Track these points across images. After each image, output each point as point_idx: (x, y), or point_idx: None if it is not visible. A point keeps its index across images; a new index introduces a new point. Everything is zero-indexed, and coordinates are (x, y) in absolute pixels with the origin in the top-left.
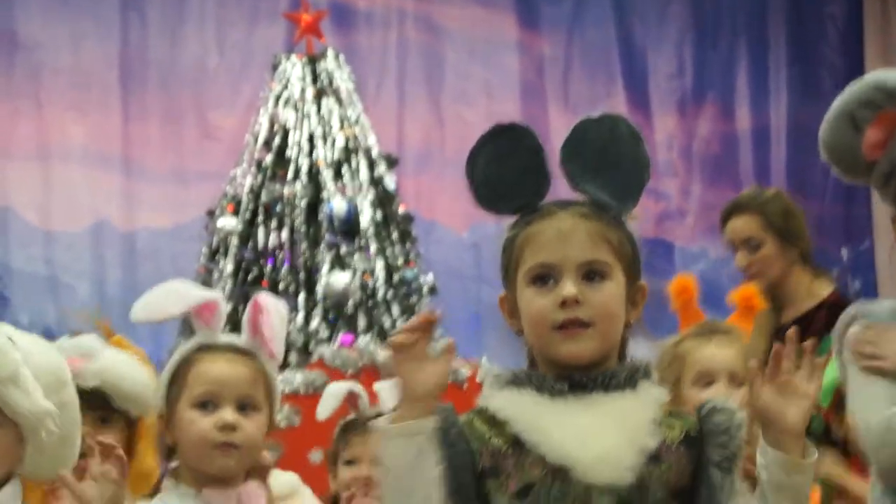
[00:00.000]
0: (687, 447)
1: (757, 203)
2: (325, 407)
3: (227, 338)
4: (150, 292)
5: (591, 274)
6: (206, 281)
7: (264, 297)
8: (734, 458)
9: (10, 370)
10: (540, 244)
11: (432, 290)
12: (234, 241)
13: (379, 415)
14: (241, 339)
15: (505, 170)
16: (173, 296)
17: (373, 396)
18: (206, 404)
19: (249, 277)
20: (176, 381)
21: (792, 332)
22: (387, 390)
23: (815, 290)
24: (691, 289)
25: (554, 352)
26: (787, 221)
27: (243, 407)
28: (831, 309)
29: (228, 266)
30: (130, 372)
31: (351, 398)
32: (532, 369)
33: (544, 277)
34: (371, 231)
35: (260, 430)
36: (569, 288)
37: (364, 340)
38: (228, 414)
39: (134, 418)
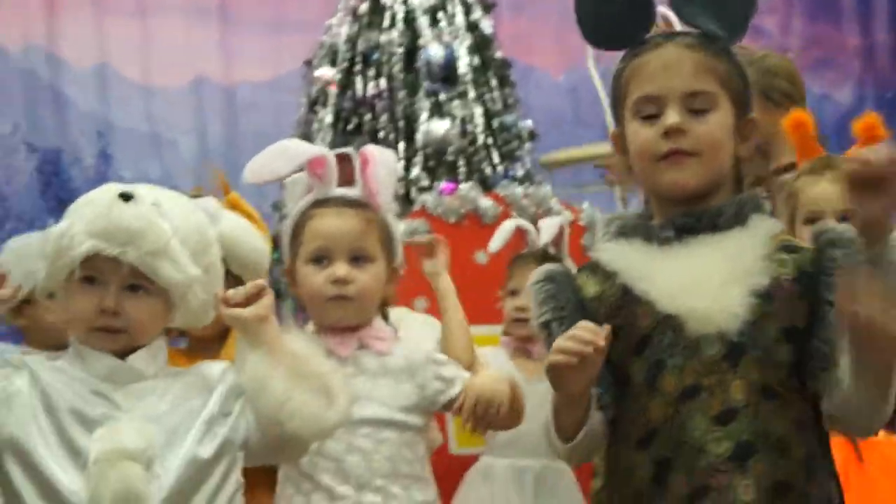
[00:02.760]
0: (801, 284)
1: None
2: (496, 241)
3: (340, 191)
4: (259, 154)
5: (696, 104)
6: (306, 132)
7: (371, 149)
8: None
9: (160, 243)
10: (644, 76)
11: (531, 136)
12: (333, 91)
13: (544, 249)
14: (353, 191)
15: (611, 3)
16: (283, 155)
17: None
18: (320, 259)
19: (349, 127)
20: (294, 238)
21: None
22: (545, 225)
23: None
24: (808, 123)
25: (659, 182)
26: (773, 79)
27: (356, 259)
28: None
29: (328, 117)
30: (249, 238)
31: (521, 234)
32: (646, 212)
33: (650, 109)
34: (469, 77)
35: (375, 280)
36: (672, 117)
37: (465, 187)
38: (340, 268)
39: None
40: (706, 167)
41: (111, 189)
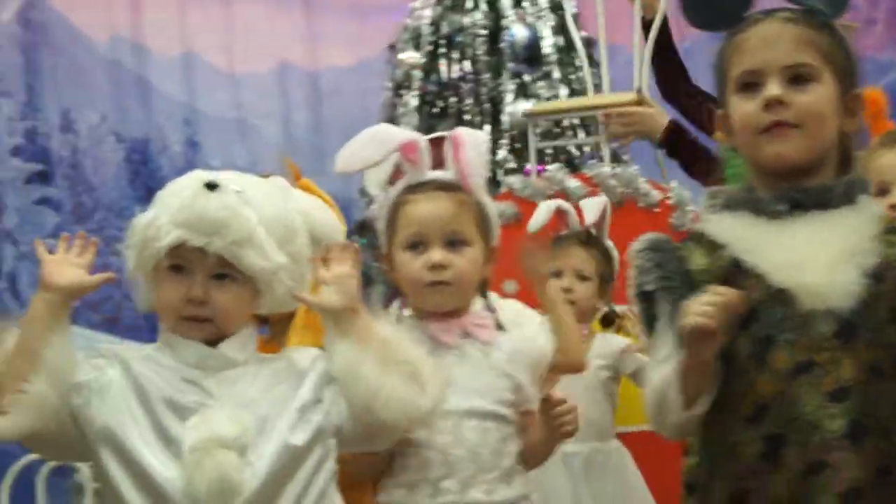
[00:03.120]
0: None
1: None
2: (536, 220)
3: (433, 174)
4: (349, 142)
5: (798, 78)
6: (391, 116)
7: (461, 131)
8: None
9: (244, 232)
10: (745, 51)
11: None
12: (417, 74)
13: (585, 230)
14: (446, 175)
15: None
16: (373, 142)
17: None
18: (416, 245)
19: (434, 111)
20: (389, 224)
21: None
22: (589, 205)
23: None
24: (880, 101)
25: (761, 155)
26: None
27: (452, 243)
28: None
29: (413, 100)
30: (321, 214)
31: (560, 214)
32: (749, 189)
33: (750, 84)
34: (553, 57)
35: (472, 263)
36: (773, 89)
37: (552, 169)
38: (436, 254)
39: None
40: (809, 139)
41: (197, 178)
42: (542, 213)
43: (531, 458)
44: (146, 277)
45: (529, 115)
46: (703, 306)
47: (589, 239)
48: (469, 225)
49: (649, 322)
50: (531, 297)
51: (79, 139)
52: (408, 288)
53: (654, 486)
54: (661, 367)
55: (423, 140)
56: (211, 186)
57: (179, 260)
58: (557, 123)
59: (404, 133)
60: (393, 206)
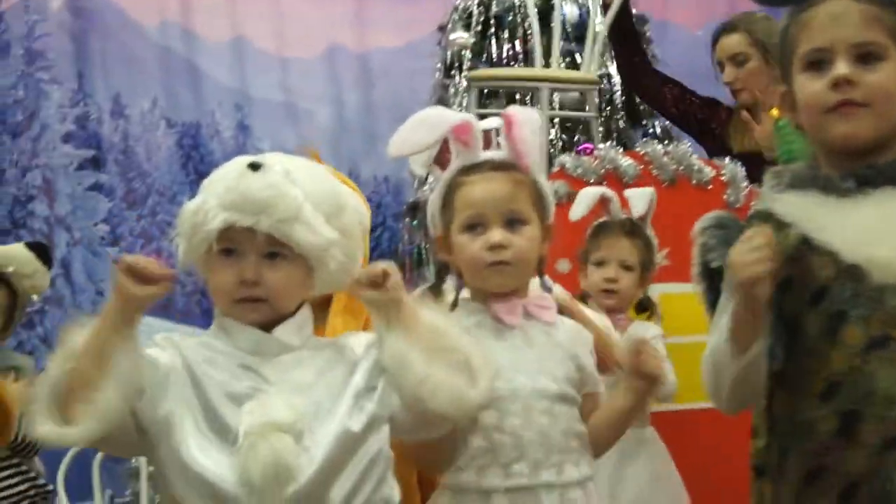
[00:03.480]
0: None
1: (745, 22)
2: (578, 208)
3: (487, 154)
4: (400, 126)
5: (866, 56)
6: (443, 97)
7: (514, 110)
8: None
9: (291, 209)
10: (812, 29)
11: None
12: (468, 54)
13: (629, 219)
14: (501, 154)
15: None
16: (424, 125)
17: (623, 202)
18: (474, 226)
19: (484, 91)
20: (445, 207)
21: None
22: (637, 196)
23: None
24: None
25: (829, 135)
26: (773, 38)
27: (511, 223)
28: None
29: (464, 81)
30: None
31: (603, 201)
32: (813, 167)
33: (817, 62)
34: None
35: (531, 242)
36: (841, 68)
37: (604, 147)
38: (496, 234)
39: None
40: (878, 118)
41: (241, 161)
42: (585, 200)
43: (608, 431)
44: (198, 264)
45: (471, 80)
46: (751, 252)
47: (633, 229)
48: (526, 204)
49: (712, 300)
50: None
51: (130, 125)
52: (467, 270)
53: (684, 465)
54: (716, 335)
55: (475, 121)
56: (254, 167)
57: (229, 243)
58: (609, 100)
59: (456, 115)
60: (448, 188)
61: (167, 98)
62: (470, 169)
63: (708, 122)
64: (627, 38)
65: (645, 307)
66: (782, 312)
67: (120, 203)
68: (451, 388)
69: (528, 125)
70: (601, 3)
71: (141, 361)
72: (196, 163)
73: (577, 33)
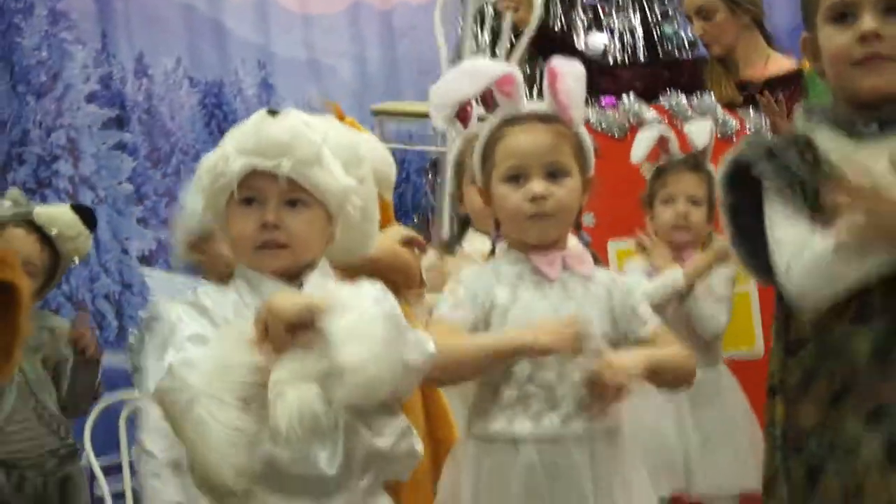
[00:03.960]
0: None
1: None
2: (639, 150)
3: (529, 106)
4: (442, 78)
5: (893, 7)
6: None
7: (558, 62)
8: None
9: (312, 151)
10: None
11: (692, 45)
12: (490, 10)
13: (692, 154)
14: (543, 106)
15: None
16: (468, 76)
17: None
18: (516, 177)
19: (508, 46)
20: (488, 158)
21: None
22: (697, 130)
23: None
24: None
25: (856, 87)
26: None
27: (552, 174)
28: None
29: (486, 36)
30: (376, 152)
31: (662, 142)
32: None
33: (844, 14)
34: None
35: (572, 194)
36: (868, 23)
37: (628, 100)
38: (537, 185)
39: None
40: None
41: (258, 113)
42: (644, 142)
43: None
44: (218, 219)
45: (377, 114)
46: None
47: (697, 163)
48: (567, 156)
49: (733, 206)
50: (609, 229)
51: (153, 84)
52: (508, 221)
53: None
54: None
55: (518, 73)
56: (273, 112)
57: (250, 191)
58: (632, 53)
59: (499, 66)
60: (489, 139)
61: (190, 57)
62: (512, 120)
63: (677, 81)
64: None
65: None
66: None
67: (144, 162)
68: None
69: (572, 76)
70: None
71: None
72: (219, 121)
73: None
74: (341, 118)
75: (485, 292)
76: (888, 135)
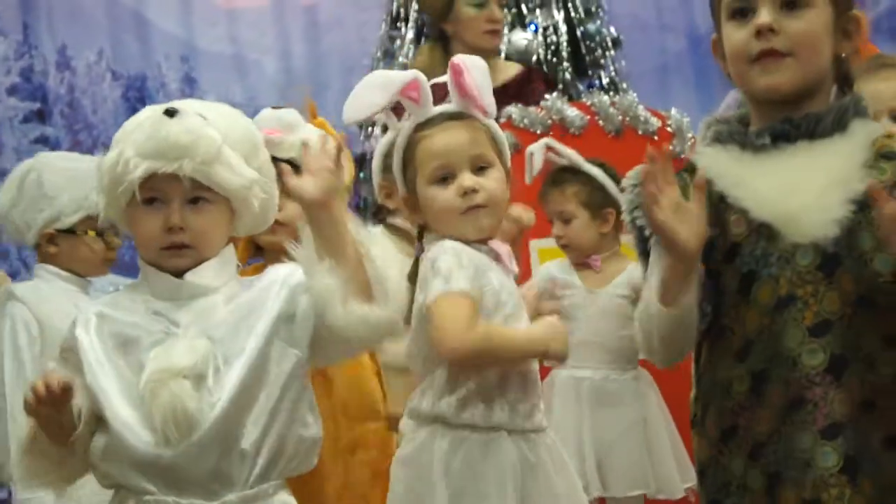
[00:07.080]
0: None
1: None
2: (535, 166)
3: (438, 108)
4: (352, 93)
5: (790, 2)
6: (388, 49)
7: (460, 57)
8: None
9: (212, 150)
10: None
11: (616, 43)
12: (414, 6)
13: (554, 170)
14: (451, 105)
15: None
16: (375, 88)
17: None
18: (444, 178)
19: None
20: (408, 165)
21: None
22: (534, 153)
23: None
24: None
25: (753, 85)
26: None
27: (479, 168)
28: None
29: (410, 33)
30: None
31: (551, 151)
32: (745, 115)
33: (742, 9)
34: None
35: (500, 184)
36: (763, 16)
37: (551, 98)
38: (467, 179)
39: None
40: (801, 68)
41: (154, 109)
42: (535, 159)
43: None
44: (120, 218)
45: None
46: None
47: (555, 178)
48: (488, 148)
49: (641, 251)
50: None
51: (76, 77)
52: (442, 221)
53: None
54: (647, 289)
55: (423, 77)
56: (170, 113)
57: (152, 192)
58: (555, 51)
59: (403, 74)
60: (406, 146)
61: (113, 50)
62: (426, 123)
63: None
64: None
65: None
66: (708, 269)
67: None
68: (367, 319)
69: (477, 69)
70: None
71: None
72: None
73: None
74: (314, 115)
75: (482, 273)
76: (781, 147)
